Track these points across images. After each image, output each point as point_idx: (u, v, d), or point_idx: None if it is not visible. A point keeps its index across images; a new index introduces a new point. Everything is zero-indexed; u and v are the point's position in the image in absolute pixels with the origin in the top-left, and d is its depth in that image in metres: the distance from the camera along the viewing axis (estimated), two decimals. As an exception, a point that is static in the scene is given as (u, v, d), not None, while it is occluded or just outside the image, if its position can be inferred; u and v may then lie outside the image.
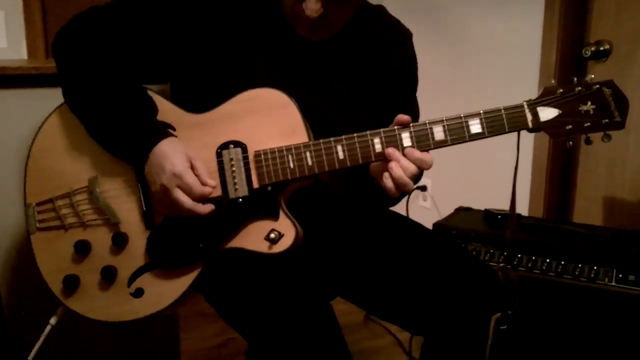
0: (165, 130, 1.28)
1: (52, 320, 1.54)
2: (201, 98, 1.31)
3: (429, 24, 2.91)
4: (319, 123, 1.29)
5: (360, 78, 1.39)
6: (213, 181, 1.26)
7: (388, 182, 1.23)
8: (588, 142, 1.23)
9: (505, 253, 1.84)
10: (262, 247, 1.25)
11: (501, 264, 1.82)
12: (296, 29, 1.32)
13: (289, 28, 1.33)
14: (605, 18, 2.24)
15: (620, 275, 1.73)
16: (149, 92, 1.33)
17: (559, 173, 2.43)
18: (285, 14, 1.32)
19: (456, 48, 2.82)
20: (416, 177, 1.24)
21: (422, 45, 1.54)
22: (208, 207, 1.25)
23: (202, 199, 1.24)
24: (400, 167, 1.21)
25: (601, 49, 2.20)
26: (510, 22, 2.52)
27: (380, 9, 1.46)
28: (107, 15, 1.32)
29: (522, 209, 2.43)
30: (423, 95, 1.52)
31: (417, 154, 1.22)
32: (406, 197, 1.38)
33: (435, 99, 2.10)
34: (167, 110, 1.31)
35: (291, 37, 1.33)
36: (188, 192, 1.22)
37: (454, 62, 2.83)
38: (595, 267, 1.76)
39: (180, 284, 1.29)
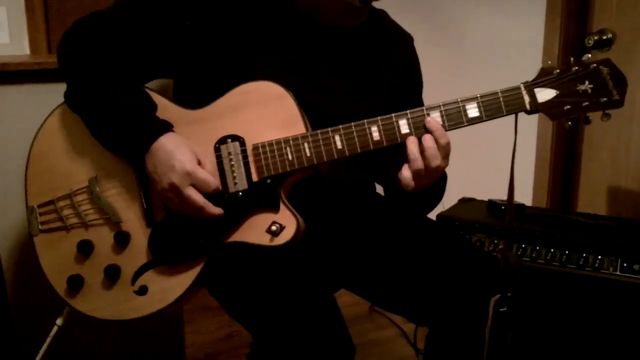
0: (164, 126, 1.28)
1: (59, 322, 1.55)
2: (203, 95, 1.30)
3: (430, 22, 2.90)
4: (320, 118, 1.28)
5: (362, 75, 1.39)
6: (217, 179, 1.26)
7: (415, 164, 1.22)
8: (587, 121, 1.22)
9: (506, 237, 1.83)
10: (264, 239, 1.24)
11: (500, 247, 1.81)
12: (321, 19, 1.34)
13: (291, 27, 1.33)
14: (608, 8, 2.22)
15: (625, 265, 1.72)
16: (147, 91, 1.32)
17: (563, 163, 2.43)
18: (304, 8, 1.33)
19: (457, 42, 2.81)
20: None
21: (423, 44, 1.54)
22: (218, 210, 1.25)
23: (217, 191, 1.24)
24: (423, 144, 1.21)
25: (604, 37, 2.17)
26: (512, 16, 2.51)
27: (383, 13, 1.47)
28: (108, 18, 1.33)
29: (526, 199, 2.43)
30: (424, 93, 1.51)
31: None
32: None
33: (437, 94, 2.09)
34: (164, 108, 1.31)
35: (291, 35, 1.33)
36: (204, 188, 1.23)
37: (455, 58, 2.81)
38: (599, 257, 1.75)
39: (183, 280, 1.29)
